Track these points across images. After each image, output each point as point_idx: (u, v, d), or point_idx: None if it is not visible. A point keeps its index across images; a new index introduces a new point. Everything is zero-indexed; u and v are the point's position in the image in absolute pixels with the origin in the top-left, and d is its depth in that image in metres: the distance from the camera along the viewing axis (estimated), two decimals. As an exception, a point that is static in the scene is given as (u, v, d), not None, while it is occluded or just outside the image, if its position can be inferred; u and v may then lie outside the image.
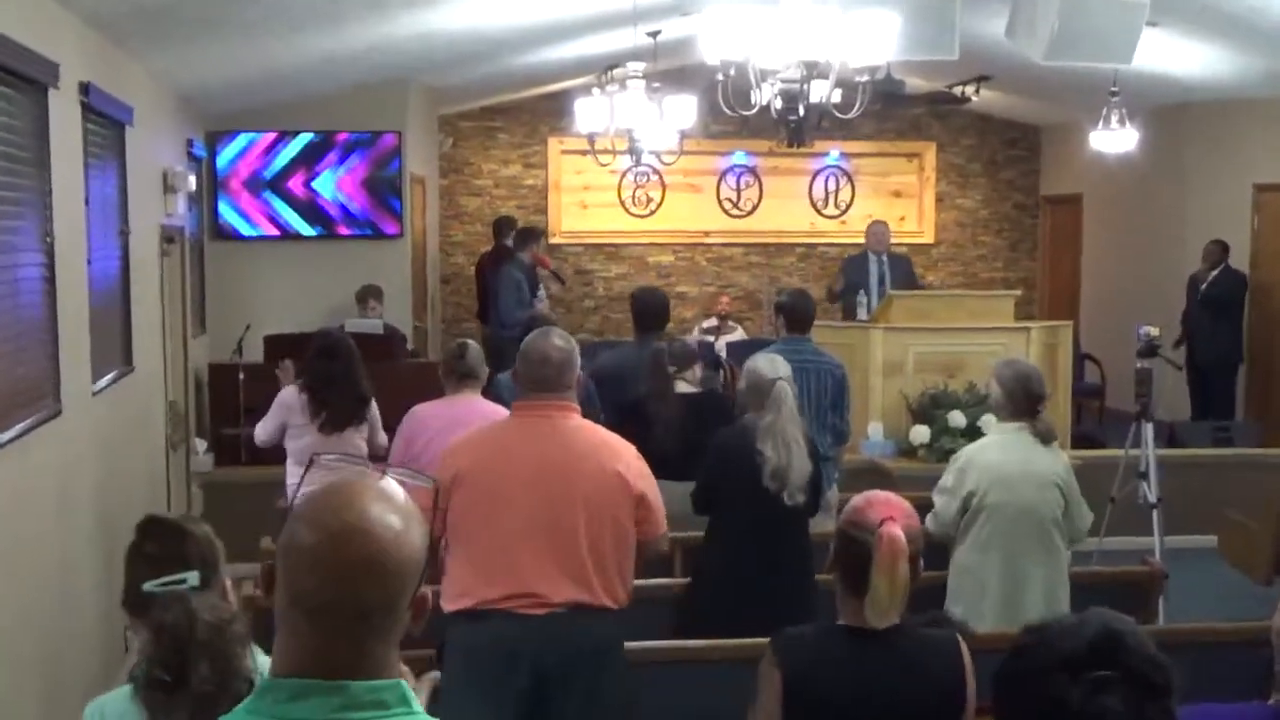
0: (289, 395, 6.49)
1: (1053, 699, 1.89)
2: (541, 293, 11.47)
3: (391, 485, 1.76)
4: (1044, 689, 1.90)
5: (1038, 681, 1.92)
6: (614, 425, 6.72)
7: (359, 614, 1.67)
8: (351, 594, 1.66)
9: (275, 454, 6.75)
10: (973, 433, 8.03)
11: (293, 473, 6.48)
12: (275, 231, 10.92)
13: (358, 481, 1.76)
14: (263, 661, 2.35)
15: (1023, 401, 5.28)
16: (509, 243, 11.76)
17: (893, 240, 11.96)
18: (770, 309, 12.93)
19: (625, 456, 4.22)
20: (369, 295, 10.37)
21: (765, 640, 3.21)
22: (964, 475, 5.27)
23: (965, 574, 5.26)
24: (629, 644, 4.23)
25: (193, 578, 2.64)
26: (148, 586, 2.65)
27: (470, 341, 6.11)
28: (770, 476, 5.14)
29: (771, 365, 5.37)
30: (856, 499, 3.20)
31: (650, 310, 7.29)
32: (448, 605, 4.06)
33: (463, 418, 5.41)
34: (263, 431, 6.61)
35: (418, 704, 1.72)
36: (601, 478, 4.13)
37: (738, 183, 14.86)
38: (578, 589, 4.04)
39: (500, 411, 5.49)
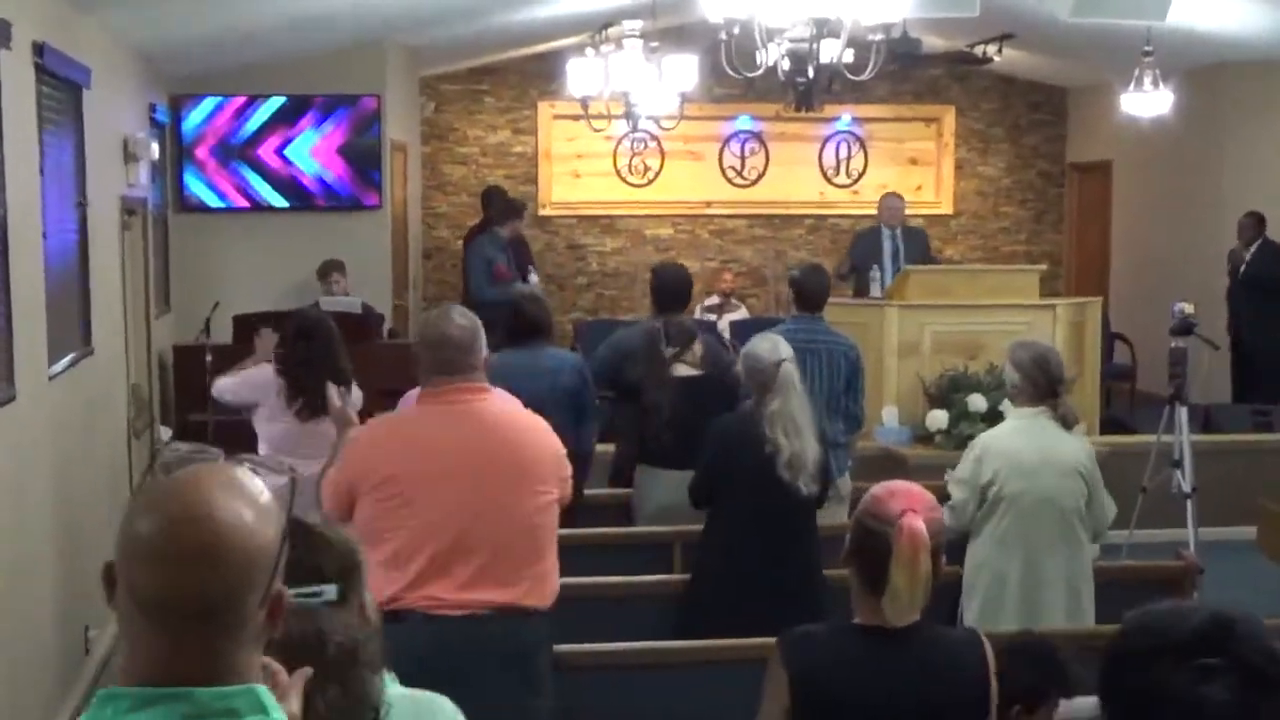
0: (264, 375, 6.48)
1: (1154, 685, 1.87)
2: (533, 276, 11.43)
3: (245, 474, 1.75)
4: (1146, 675, 1.88)
5: (1140, 666, 1.89)
6: (612, 411, 6.74)
7: (203, 611, 1.64)
8: (193, 587, 1.63)
9: (246, 440, 6.74)
10: (994, 418, 8.04)
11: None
12: (245, 203, 10.90)
13: (206, 468, 1.74)
14: (393, 692, 2.36)
15: (1042, 384, 5.29)
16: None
17: (908, 212, 11.95)
18: (775, 285, 12.95)
19: (544, 435, 4.28)
20: (331, 270, 10.37)
21: (771, 640, 3.21)
22: (980, 464, 5.28)
23: (982, 569, 5.28)
24: (629, 644, 4.24)
25: (330, 591, 2.61)
26: None
27: (419, 328, 6.12)
28: (785, 465, 5.17)
29: (773, 348, 5.38)
30: (876, 489, 3.21)
31: (670, 288, 7.25)
32: None
33: None
34: (228, 393, 6.60)
35: (279, 711, 1.69)
36: (524, 462, 4.15)
37: (742, 150, 14.84)
38: (500, 589, 4.05)
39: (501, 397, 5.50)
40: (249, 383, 6.56)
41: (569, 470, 4.37)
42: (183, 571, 1.63)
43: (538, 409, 5.73)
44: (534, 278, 11.30)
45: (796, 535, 5.27)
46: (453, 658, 3.89)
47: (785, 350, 5.36)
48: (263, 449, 6.52)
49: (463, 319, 4.26)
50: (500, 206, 11.58)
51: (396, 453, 4.14)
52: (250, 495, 1.71)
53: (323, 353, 6.40)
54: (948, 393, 8.77)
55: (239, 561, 1.65)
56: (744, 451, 5.23)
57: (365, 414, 6.42)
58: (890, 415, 8.93)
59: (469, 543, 4.03)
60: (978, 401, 8.58)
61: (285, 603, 1.74)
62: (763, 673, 3.19)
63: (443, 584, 4.01)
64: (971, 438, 5.87)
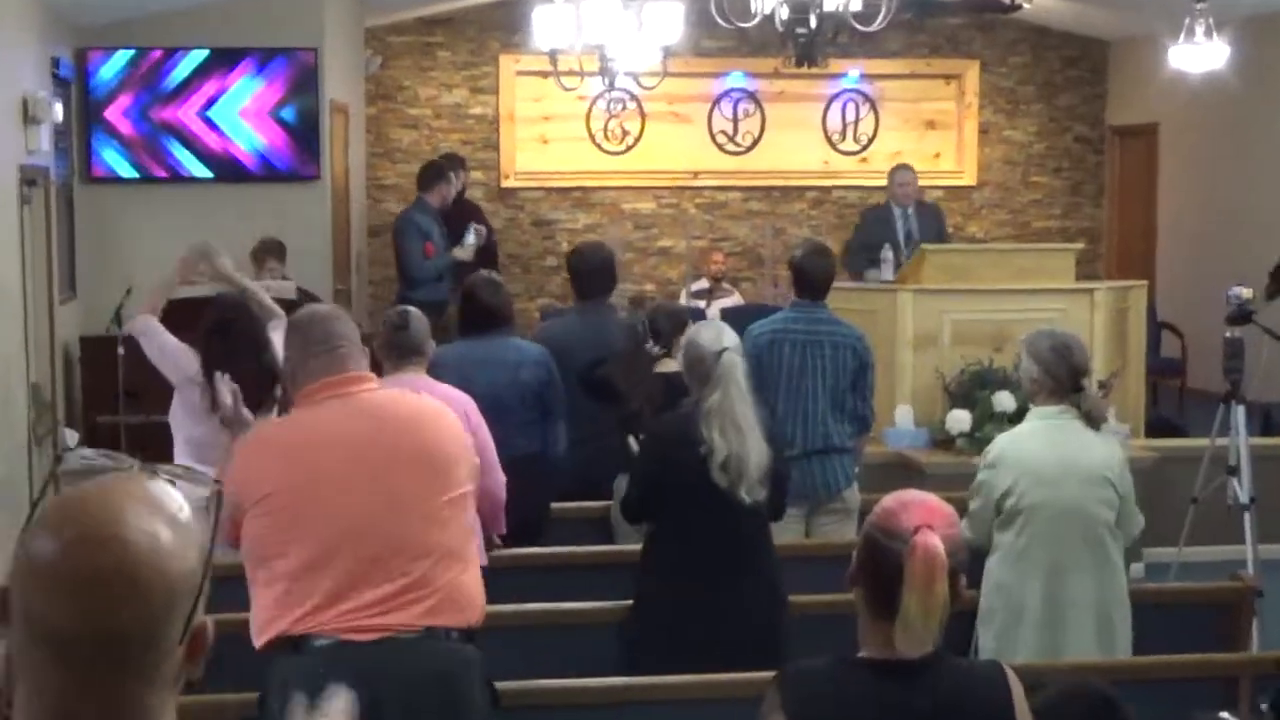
0: (190, 362, 6.45)
1: None
2: (470, 236, 11.11)
3: (162, 487, 1.72)
4: None
5: None
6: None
7: (112, 646, 1.61)
8: (101, 619, 1.60)
9: (165, 445, 6.72)
10: (1023, 418, 8.05)
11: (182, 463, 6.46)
12: (163, 172, 10.87)
13: (114, 481, 1.70)
14: None
15: (1064, 378, 5.30)
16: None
17: (923, 184, 11.96)
18: (773, 267, 12.95)
19: (448, 421, 4.27)
20: (267, 254, 10.26)
21: (724, 677, 3.21)
22: (995, 471, 5.30)
23: (999, 591, 5.29)
24: (570, 681, 4.23)
25: None
26: None
27: (412, 310, 6.10)
28: (720, 469, 5.11)
29: (715, 336, 5.34)
30: (888, 500, 3.19)
31: (594, 269, 7.30)
32: (258, 640, 4.03)
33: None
34: (155, 346, 6.52)
35: None
36: (429, 454, 4.14)
37: (735, 111, 14.84)
38: (413, 606, 4.02)
39: (454, 395, 5.49)
40: (179, 355, 6.50)
41: (478, 460, 4.38)
42: (89, 600, 1.60)
43: (497, 405, 5.71)
44: (470, 238, 11.02)
45: (743, 552, 5.24)
46: (362, 689, 3.88)
47: (730, 338, 5.32)
48: (181, 454, 6.50)
49: (324, 306, 4.38)
50: (426, 171, 11.46)
51: (277, 461, 4.12)
52: (168, 512, 1.68)
53: (246, 346, 6.37)
54: (970, 390, 8.78)
55: (155, 589, 1.63)
56: (681, 456, 5.19)
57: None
58: (904, 416, 8.94)
59: (372, 554, 4.00)
60: (1004, 400, 8.59)
61: (208, 637, 1.72)
62: (737, 712, 3.18)
63: (345, 605, 3.98)
64: (993, 440, 5.87)
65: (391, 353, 5.93)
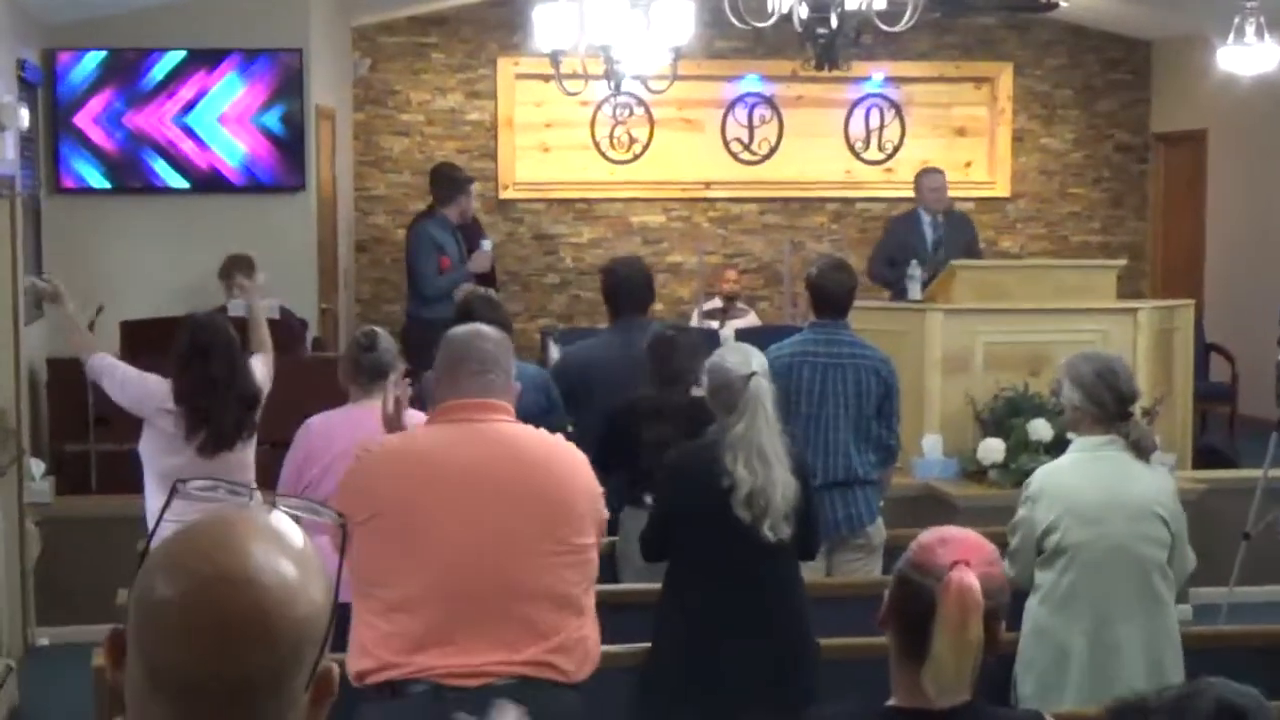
0: (161, 389, 6.45)
1: None
2: (486, 244, 11.22)
3: (283, 521, 1.71)
4: None
5: None
6: (585, 442, 6.73)
7: (239, 692, 1.60)
8: (229, 665, 1.59)
9: (134, 475, 6.72)
10: (1061, 448, 8.03)
11: (155, 498, 6.46)
12: (137, 183, 10.89)
13: (237, 516, 1.70)
14: None
15: (1110, 405, 5.29)
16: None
17: (953, 194, 11.96)
18: (791, 285, 12.94)
19: (583, 468, 4.34)
20: (235, 269, 10.20)
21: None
22: (1035, 506, 5.29)
23: (1040, 637, 5.28)
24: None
25: None
26: None
27: (379, 330, 6.13)
28: (743, 504, 5.11)
29: (743, 359, 5.34)
30: (925, 535, 3.19)
31: (629, 286, 7.31)
32: (354, 678, 4.09)
33: (374, 432, 5.40)
34: (116, 381, 6.55)
35: None
36: (561, 496, 4.21)
37: (750, 117, 14.86)
38: (527, 653, 4.08)
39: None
40: (144, 388, 6.50)
41: (606, 516, 4.43)
42: (219, 647, 1.59)
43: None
44: (486, 244, 11.13)
45: (768, 593, 5.23)
46: None
47: (758, 362, 5.33)
48: (153, 489, 6.49)
49: (492, 329, 4.47)
50: (443, 184, 11.53)
51: (392, 478, 4.21)
52: (294, 549, 1.67)
53: (227, 370, 6.37)
54: (1004, 418, 8.78)
55: (286, 634, 1.62)
56: (702, 488, 5.19)
57: (283, 441, 6.42)
58: (932, 445, 8.93)
59: (489, 591, 4.08)
60: (1041, 428, 8.58)
61: (334, 683, 1.71)
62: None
63: (455, 646, 4.06)
64: (1033, 473, 5.86)
65: (359, 376, 5.95)
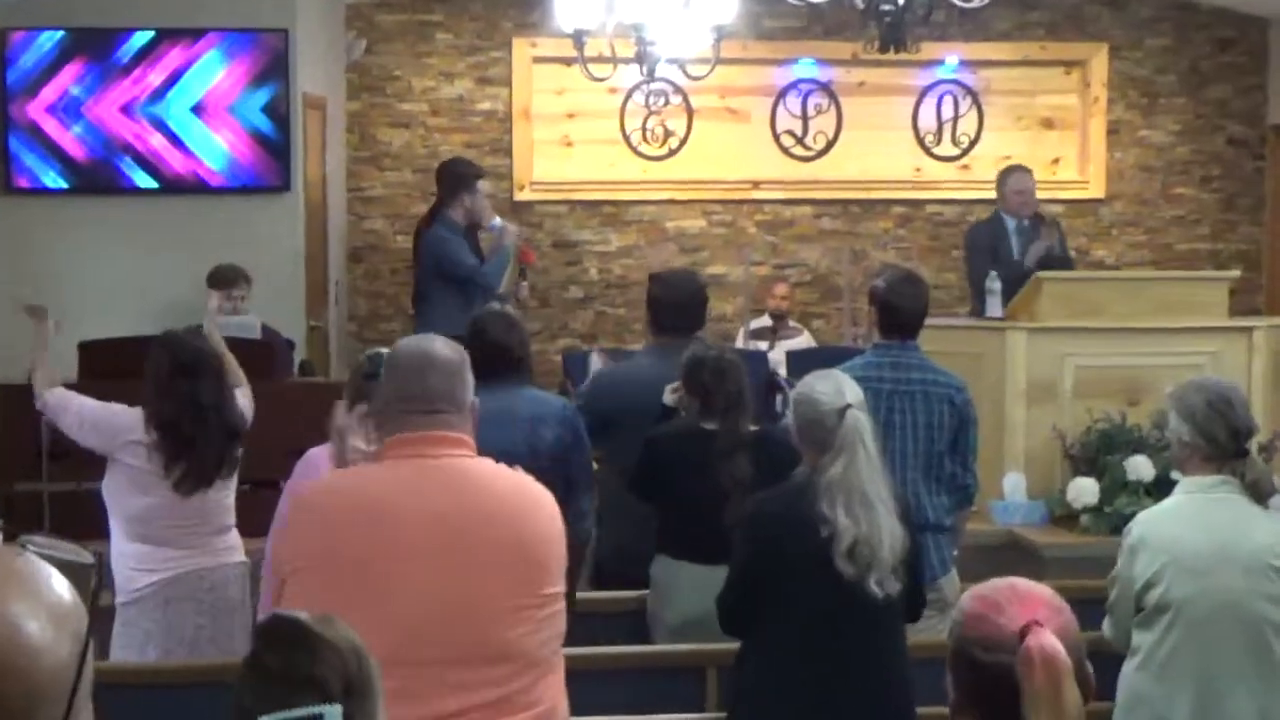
0: (130, 419, 6.47)
1: None
2: (496, 221, 11.39)
3: (30, 563, 1.72)
4: None
5: None
6: (613, 476, 6.73)
7: None
8: None
9: (95, 518, 6.74)
10: (1165, 489, 8.02)
11: (123, 544, 6.48)
12: (99, 183, 10.92)
13: None
14: None
15: (1223, 441, 5.28)
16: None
17: (1040, 195, 11.93)
18: (852, 300, 12.93)
19: (551, 507, 4.34)
20: (236, 279, 10.26)
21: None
22: (1134, 557, 5.28)
23: (1139, 706, 5.27)
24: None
25: (332, 714, 2.63)
26: None
27: (386, 352, 6.12)
28: (847, 556, 5.11)
29: (835, 389, 5.33)
30: (974, 602, 3.13)
31: (676, 303, 7.33)
32: None
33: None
34: (71, 415, 6.58)
35: None
36: (529, 548, 4.20)
37: (804, 107, 14.84)
38: (499, 714, 4.07)
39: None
40: (109, 419, 6.54)
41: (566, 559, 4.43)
42: None
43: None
44: (496, 221, 11.26)
45: (874, 662, 5.23)
46: None
47: (853, 392, 5.33)
48: (121, 535, 6.51)
49: (448, 345, 4.41)
50: (446, 179, 11.58)
51: (326, 528, 4.19)
52: (38, 595, 1.69)
53: (215, 394, 6.41)
54: (1098, 454, 8.76)
55: (11, 692, 1.63)
56: (793, 540, 5.19)
57: (269, 481, 6.44)
58: (1014, 486, 8.91)
59: (437, 658, 4.05)
60: (1141, 466, 8.56)
61: None
62: None
63: (406, 712, 3.98)
64: (1134, 518, 5.85)
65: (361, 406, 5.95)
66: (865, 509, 5.12)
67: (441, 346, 4.38)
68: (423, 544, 4.12)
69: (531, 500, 4.32)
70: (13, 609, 1.64)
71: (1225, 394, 5.35)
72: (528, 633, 4.14)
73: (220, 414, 6.45)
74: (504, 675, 4.09)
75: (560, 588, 4.26)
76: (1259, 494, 5.28)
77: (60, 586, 1.71)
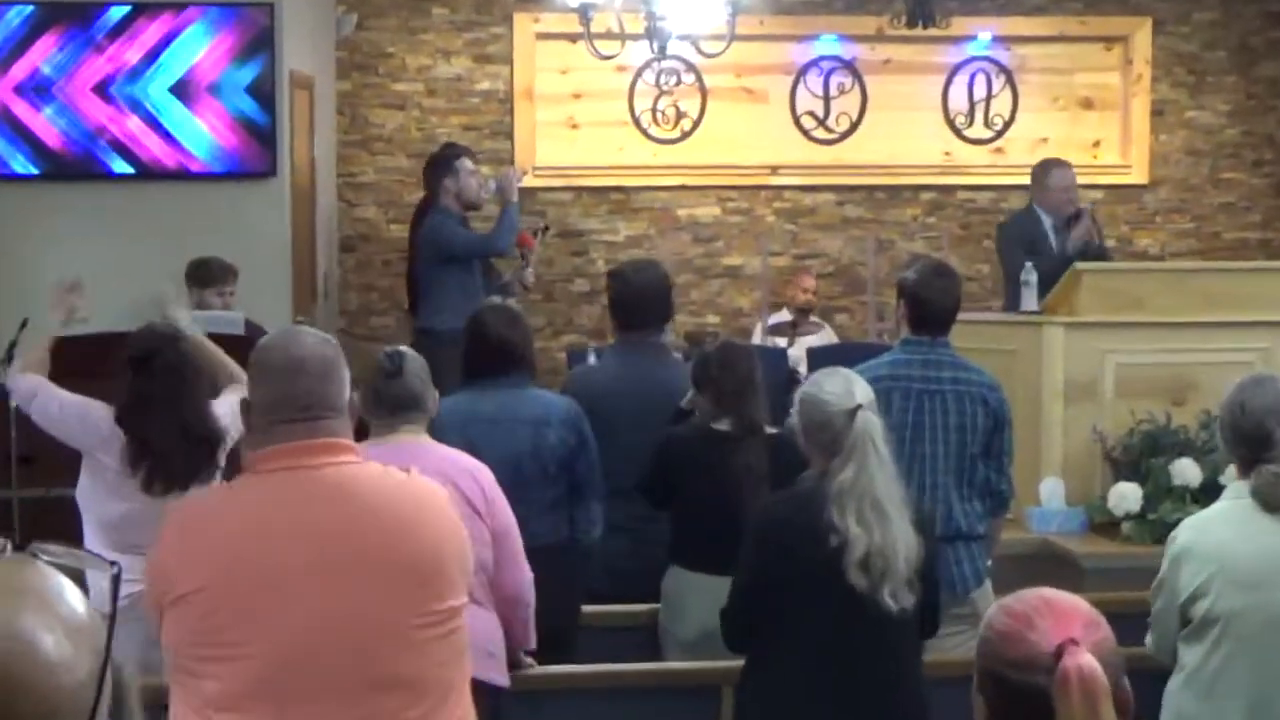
0: (105, 416, 6.49)
1: None
2: (529, 273, 11.53)
3: (44, 575, 1.72)
4: None
5: None
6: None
7: None
8: None
9: (68, 526, 6.76)
10: (1213, 495, 8.03)
11: (97, 552, 6.50)
12: (71, 168, 10.94)
13: None
14: None
15: (1233, 445, 5.30)
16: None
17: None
18: (877, 292, 12.94)
19: (449, 510, 4.25)
20: (222, 275, 10.27)
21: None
22: (1180, 566, 5.28)
23: (1184, 726, 5.27)
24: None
25: None
26: None
27: (407, 351, 6.12)
28: (859, 566, 5.12)
29: (845, 388, 5.34)
30: (1001, 618, 3.11)
31: (637, 297, 7.37)
32: None
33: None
34: (46, 407, 6.60)
35: None
36: (421, 560, 4.10)
37: (826, 87, 14.85)
38: None
39: (465, 464, 5.52)
40: (85, 412, 6.55)
41: (472, 564, 4.36)
42: None
43: (513, 478, 5.75)
44: (491, 184, 11.36)
45: (887, 678, 5.24)
46: None
47: (863, 392, 5.34)
48: (94, 540, 6.52)
49: (319, 340, 4.25)
50: (428, 168, 11.65)
51: (203, 550, 4.08)
52: (53, 609, 1.68)
53: (172, 390, 6.40)
54: (1141, 457, 8.76)
55: (33, 717, 1.63)
56: (801, 550, 5.20)
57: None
58: (1052, 491, 8.92)
59: (322, 686, 3.97)
60: (1186, 470, 8.57)
61: None
62: None
63: None
64: (1180, 524, 5.86)
65: (380, 409, 5.93)
66: (878, 517, 5.13)
67: (312, 343, 4.21)
68: (297, 563, 4.00)
69: (421, 502, 4.19)
70: (26, 623, 1.64)
71: (1245, 397, 5.34)
72: (422, 655, 4.05)
73: (174, 412, 6.42)
74: (397, 706, 3.99)
75: (462, 599, 4.15)
76: (1265, 504, 5.24)
77: (75, 598, 1.70)
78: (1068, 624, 3.03)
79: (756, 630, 5.40)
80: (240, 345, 9.41)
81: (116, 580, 1.82)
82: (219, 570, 4.02)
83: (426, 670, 4.06)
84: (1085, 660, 2.96)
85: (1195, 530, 5.37)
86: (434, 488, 4.29)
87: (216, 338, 8.35)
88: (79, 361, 7.39)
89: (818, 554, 5.12)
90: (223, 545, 4.08)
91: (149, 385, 6.39)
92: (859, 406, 5.24)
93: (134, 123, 10.96)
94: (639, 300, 7.45)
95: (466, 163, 11.61)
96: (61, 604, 1.68)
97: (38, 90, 10.87)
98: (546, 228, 13.00)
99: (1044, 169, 11.48)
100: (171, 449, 6.42)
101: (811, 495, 5.23)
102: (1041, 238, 11.03)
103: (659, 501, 6.74)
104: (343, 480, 4.13)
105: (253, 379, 4.28)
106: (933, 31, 8.85)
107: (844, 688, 5.19)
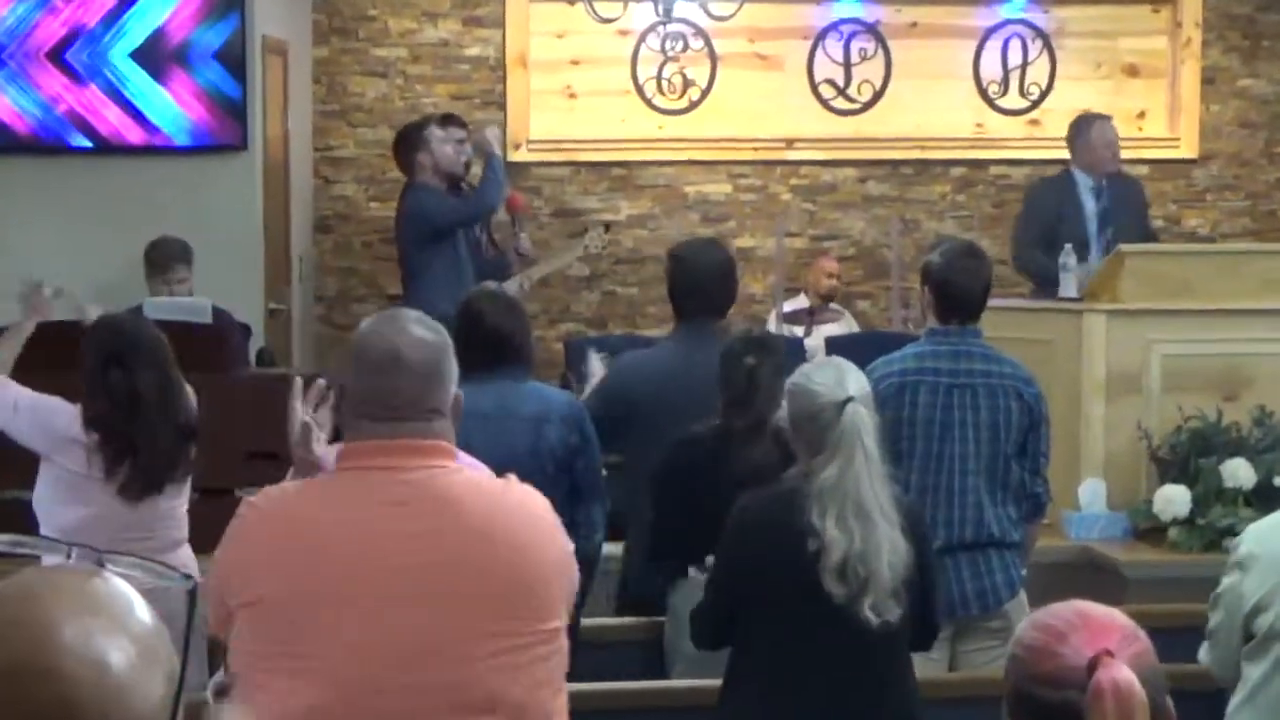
0: (69, 417, 6.52)
1: None
2: (524, 239, 11.55)
3: (113, 588, 1.72)
4: None
5: None
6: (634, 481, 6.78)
7: None
8: None
9: (31, 530, 6.79)
10: (1268, 497, 8.05)
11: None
12: (22, 142, 10.97)
13: (47, 579, 1.71)
14: None
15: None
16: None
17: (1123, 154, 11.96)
18: (902, 277, 12.96)
19: (549, 524, 4.27)
20: (174, 260, 10.23)
21: None
22: (1244, 574, 5.28)
23: (1247, 751, 5.30)
24: None
25: None
26: None
27: (353, 338, 6.17)
28: (836, 574, 5.12)
29: (836, 379, 5.34)
30: (1032, 632, 3.14)
31: (703, 281, 7.39)
32: None
33: None
34: (7, 397, 6.65)
35: None
36: (519, 571, 4.12)
37: (846, 53, 14.86)
38: None
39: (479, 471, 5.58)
40: (48, 408, 6.58)
41: (578, 583, 4.36)
42: None
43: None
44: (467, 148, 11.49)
45: (867, 694, 5.26)
46: None
47: (855, 383, 5.34)
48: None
49: (425, 330, 4.24)
50: (398, 153, 11.72)
51: (277, 553, 4.13)
52: (124, 626, 1.69)
53: (157, 385, 6.44)
54: (1189, 457, 8.77)
55: None
56: (776, 554, 5.22)
57: (217, 493, 6.49)
58: (1093, 493, 8.93)
59: (408, 708, 4.00)
60: (1239, 471, 8.58)
61: None
62: None
63: None
64: (1231, 531, 5.88)
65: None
66: (860, 520, 5.12)
67: (415, 337, 4.19)
68: (383, 574, 4.02)
69: (527, 516, 4.22)
70: (96, 643, 1.64)
71: None
72: (518, 677, 4.04)
73: (166, 408, 6.46)
74: None
75: (562, 621, 4.16)
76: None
77: (145, 614, 1.70)
78: (1103, 636, 3.05)
79: (728, 638, 5.43)
80: (206, 337, 9.47)
81: (193, 596, 1.83)
82: (284, 578, 4.06)
83: (518, 694, 4.05)
84: (1121, 674, 2.97)
85: (1260, 536, 5.35)
86: (535, 496, 4.30)
87: (181, 326, 8.39)
88: (36, 354, 7.42)
89: (794, 558, 5.12)
90: (291, 551, 4.11)
91: (134, 383, 6.42)
92: (850, 399, 5.23)
93: (93, 92, 10.96)
94: (696, 284, 7.44)
95: (435, 130, 11.63)
96: (132, 620, 1.69)
97: (-10, 57, 10.90)
98: (607, 226, 13.01)
99: (1082, 124, 11.49)
100: (162, 450, 6.46)
101: (793, 494, 5.23)
102: (1075, 205, 11.01)
103: (666, 511, 6.72)
104: (435, 487, 4.15)
105: (354, 368, 4.27)
106: (963, -7, 8.86)
107: (819, 710, 5.20)
